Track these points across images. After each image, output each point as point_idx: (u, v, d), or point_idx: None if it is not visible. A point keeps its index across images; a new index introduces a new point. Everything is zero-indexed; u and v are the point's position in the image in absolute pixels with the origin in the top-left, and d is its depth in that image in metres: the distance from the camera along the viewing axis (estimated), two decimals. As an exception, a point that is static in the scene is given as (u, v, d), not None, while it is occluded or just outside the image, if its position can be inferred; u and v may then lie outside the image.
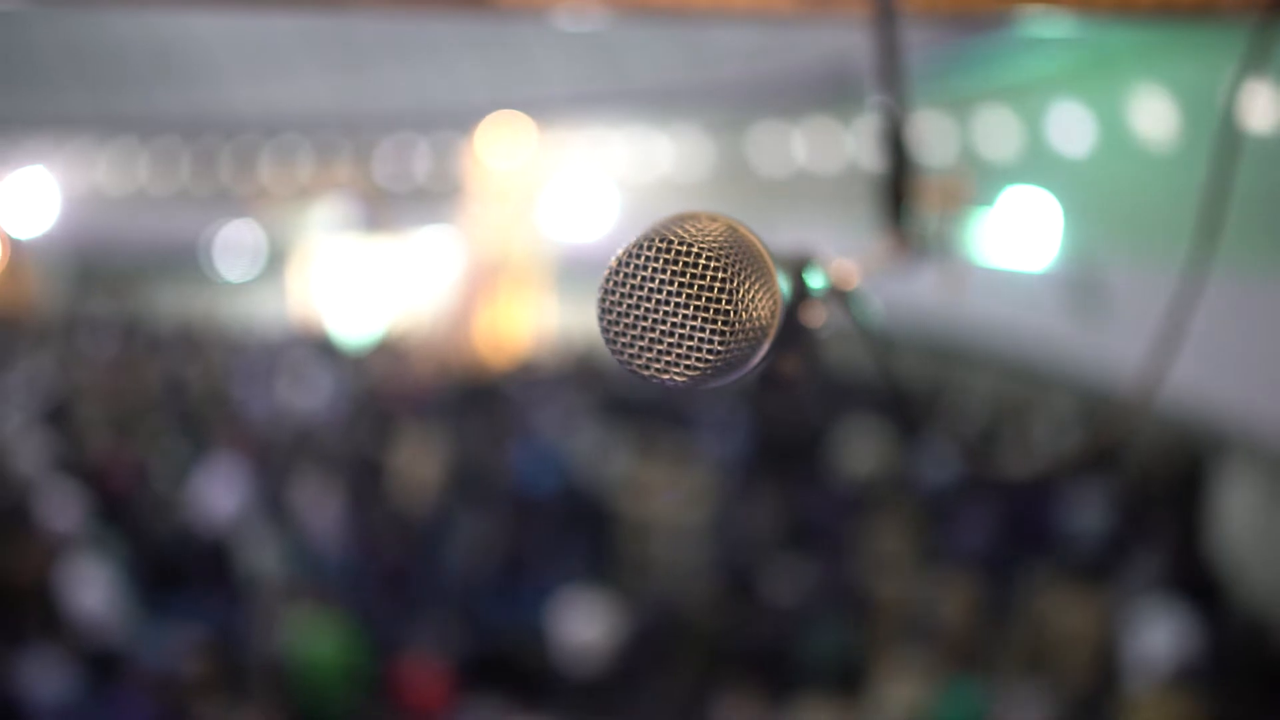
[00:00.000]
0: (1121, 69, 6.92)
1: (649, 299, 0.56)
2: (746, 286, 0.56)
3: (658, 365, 0.57)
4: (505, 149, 12.90)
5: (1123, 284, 6.68)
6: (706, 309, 0.56)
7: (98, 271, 15.36)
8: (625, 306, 0.57)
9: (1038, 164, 8.49)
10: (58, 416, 9.91)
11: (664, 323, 0.56)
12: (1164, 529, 6.99)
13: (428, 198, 14.35)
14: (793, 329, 0.77)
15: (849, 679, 5.59)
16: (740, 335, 0.56)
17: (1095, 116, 7.49)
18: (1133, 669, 5.50)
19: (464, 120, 12.93)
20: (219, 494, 7.56)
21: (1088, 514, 7.16)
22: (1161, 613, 5.60)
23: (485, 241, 13.08)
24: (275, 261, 15.31)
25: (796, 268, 0.75)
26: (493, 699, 5.49)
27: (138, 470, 8.33)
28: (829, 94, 9.90)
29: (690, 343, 0.56)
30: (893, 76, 1.26)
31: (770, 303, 0.58)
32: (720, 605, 6.45)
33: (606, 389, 10.20)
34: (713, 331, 0.56)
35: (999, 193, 9.06)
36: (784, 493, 7.85)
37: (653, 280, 0.56)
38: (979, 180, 9.32)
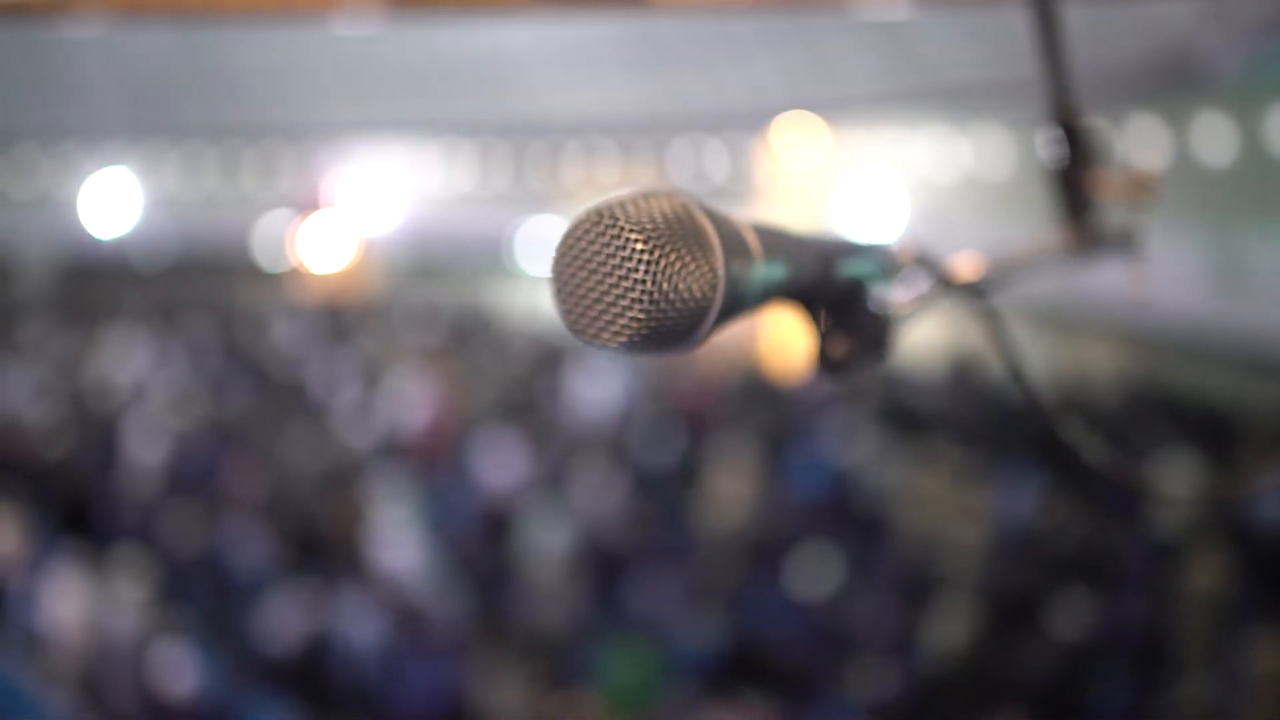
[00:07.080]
0: None
1: (583, 268, 0.62)
2: (670, 261, 0.60)
3: (591, 330, 0.63)
4: (800, 149, 12.84)
5: None
6: (628, 278, 0.61)
7: (425, 265, 16.83)
8: (567, 274, 0.63)
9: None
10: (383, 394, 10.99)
11: (594, 290, 0.62)
12: None
13: (725, 198, 14.53)
14: (840, 314, 0.83)
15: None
16: (665, 306, 0.61)
17: None
18: None
19: (761, 120, 12.99)
20: (508, 473, 8.09)
21: None
22: None
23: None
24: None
25: (825, 254, 0.79)
26: (749, 701, 5.50)
27: (449, 446, 9.09)
28: (1152, 90, 9.06)
29: (615, 310, 0.61)
30: (1058, 64, 1.21)
31: (707, 279, 0.62)
32: (996, 631, 6.08)
33: (890, 396, 9.93)
34: (634, 300, 0.61)
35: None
36: (1080, 518, 7.28)
37: (587, 251, 0.62)
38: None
